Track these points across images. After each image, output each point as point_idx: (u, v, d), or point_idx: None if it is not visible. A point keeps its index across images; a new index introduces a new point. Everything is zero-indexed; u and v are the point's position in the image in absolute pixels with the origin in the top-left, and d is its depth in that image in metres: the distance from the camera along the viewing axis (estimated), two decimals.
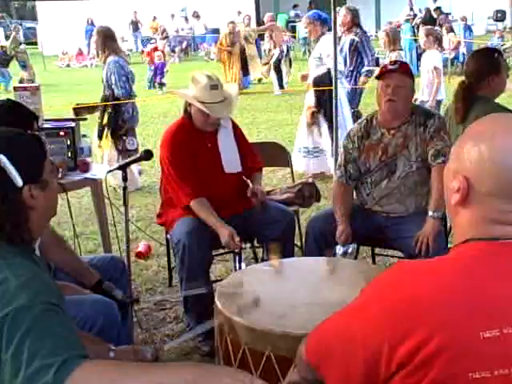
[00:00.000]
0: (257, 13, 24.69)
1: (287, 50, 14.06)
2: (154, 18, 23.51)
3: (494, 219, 1.28)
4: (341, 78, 6.26)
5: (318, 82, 6.35)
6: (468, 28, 16.62)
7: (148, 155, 2.94)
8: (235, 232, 3.27)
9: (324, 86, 6.18)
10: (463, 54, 15.46)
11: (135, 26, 24.87)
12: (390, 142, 3.35)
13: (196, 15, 23.73)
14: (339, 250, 4.06)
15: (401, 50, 6.37)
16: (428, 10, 18.34)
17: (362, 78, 7.04)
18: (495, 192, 1.26)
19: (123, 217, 3.02)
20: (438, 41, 7.09)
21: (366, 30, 7.48)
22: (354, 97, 7.12)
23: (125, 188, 2.94)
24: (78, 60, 22.41)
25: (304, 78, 6.79)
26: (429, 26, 7.78)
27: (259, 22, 21.53)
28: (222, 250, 4.12)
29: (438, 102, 7.03)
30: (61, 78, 17.96)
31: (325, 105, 6.28)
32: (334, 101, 4.59)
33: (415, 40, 15.80)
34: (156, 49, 15.97)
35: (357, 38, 6.98)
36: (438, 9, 18.26)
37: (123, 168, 2.91)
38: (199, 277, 3.25)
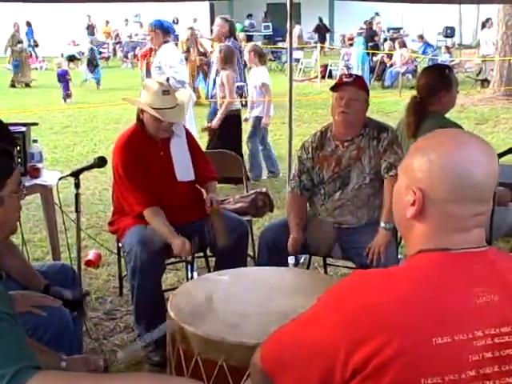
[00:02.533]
0: (211, 21, 24.67)
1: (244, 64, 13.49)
2: (107, 22, 23.28)
3: (449, 227, 1.32)
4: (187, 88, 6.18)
5: None
6: (427, 44, 16.99)
7: (101, 162, 2.90)
8: (186, 240, 3.26)
9: None
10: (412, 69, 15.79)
11: (91, 30, 24.59)
12: (344, 154, 3.39)
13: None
14: (291, 259, 4.10)
15: (233, 69, 6.28)
16: (368, 23, 18.68)
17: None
18: (449, 197, 1.30)
19: (72, 224, 2.96)
20: (260, 56, 6.89)
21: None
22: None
23: (77, 195, 2.89)
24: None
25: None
26: (253, 43, 7.72)
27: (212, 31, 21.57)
28: (174, 259, 4.11)
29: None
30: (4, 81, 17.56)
31: None
32: (288, 107, 4.61)
33: (368, 54, 16.12)
34: None
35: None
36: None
37: (76, 175, 2.86)
38: (151, 286, 3.23)
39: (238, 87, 6.92)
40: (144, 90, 3.45)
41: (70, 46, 22.22)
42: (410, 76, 15.83)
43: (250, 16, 25.55)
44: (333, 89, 3.42)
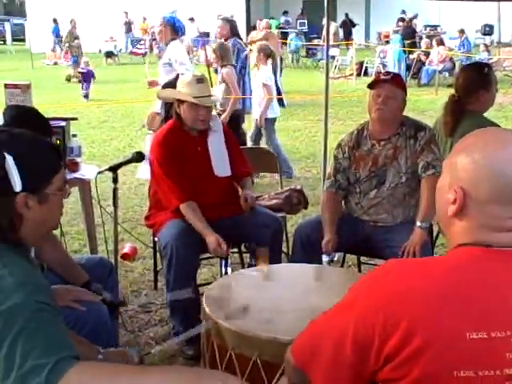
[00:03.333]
0: (247, 18, 24.73)
1: (281, 61, 12.82)
2: (144, 18, 23.48)
3: (491, 226, 1.32)
4: None
5: (167, 87, 6.04)
6: (466, 41, 16.77)
7: (139, 157, 2.95)
8: (222, 240, 3.28)
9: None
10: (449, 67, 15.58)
11: (128, 26, 24.83)
12: (380, 153, 3.38)
13: (191, 18, 23.71)
14: (325, 257, 4.10)
15: (232, 65, 6.19)
16: (407, 22, 18.46)
17: None
18: (492, 198, 1.30)
19: (109, 217, 3.01)
20: (268, 56, 6.87)
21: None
22: None
23: (115, 189, 2.94)
24: (66, 58, 22.28)
25: (152, 84, 6.36)
26: (263, 42, 7.56)
27: (249, 28, 21.58)
28: (208, 254, 4.14)
29: (273, 120, 6.92)
30: (48, 76, 17.84)
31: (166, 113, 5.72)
32: (324, 105, 4.61)
33: (404, 51, 15.97)
34: None
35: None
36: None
37: (114, 169, 2.91)
38: (185, 280, 3.26)
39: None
40: (178, 83, 3.52)
41: (108, 42, 22.51)
42: (447, 74, 15.64)
43: (285, 13, 25.50)
44: (370, 86, 3.41)
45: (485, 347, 1.23)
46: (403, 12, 18.63)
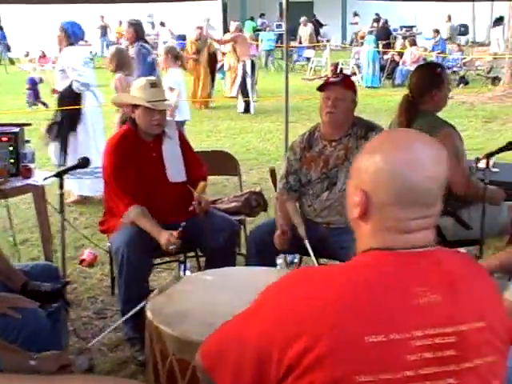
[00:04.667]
0: (224, 20, 24.71)
1: (252, 65, 12.04)
2: (120, 22, 23.36)
3: (393, 228, 1.31)
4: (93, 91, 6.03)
5: (62, 96, 5.93)
6: (441, 41, 16.85)
7: (85, 162, 2.92)
8: (172, 232, 3.26)
9: (68, 101, 5.82)
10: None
11: (104, 30, 24.70)
12: (332, 154, 3.38)
13: (161, 23, 23.67)
14: (281, 259, 4.10)
15: (128, 74, 6.07)
16: (383, 23, 18.55)
17: None
18: (392, 201, 1.29)
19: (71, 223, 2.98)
20: (176, 58, 6.83)
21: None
22: None
23: (61, 195, 2.92)
24: (41, 63, 22.09)
25: (54, 91, 6.28)
26: (169, 45, 7.54)
27: (226, 30, 21.55)
28: (167, 258, 4.13)
29: (182, 123, 6.76)
30: (18, 81, 17.67)
31: (61, 120, 5.87)
32: (284, 108, 4.60)
33: (378, 52, 16.05)
34: None
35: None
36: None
37: (60, 175, 2.89)
38: (138, 285, 3.23)
39: None
40: (132, 88, 3.50)
41: (82, 46, 22.34)
42: None
43: (262, 15, 25.51)
44: (320, 89, 3.41)
45: (385, 350, 1.22)
46: (377, 14, 18.73)
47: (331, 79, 3.42)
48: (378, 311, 1.23)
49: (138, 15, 25.06)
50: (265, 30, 22.65)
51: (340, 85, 3.35)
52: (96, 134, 5.97)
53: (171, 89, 6.64)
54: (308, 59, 18.24)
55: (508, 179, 4.14)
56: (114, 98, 3.75)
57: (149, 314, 2.45)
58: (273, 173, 4.20)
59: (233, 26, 12.84)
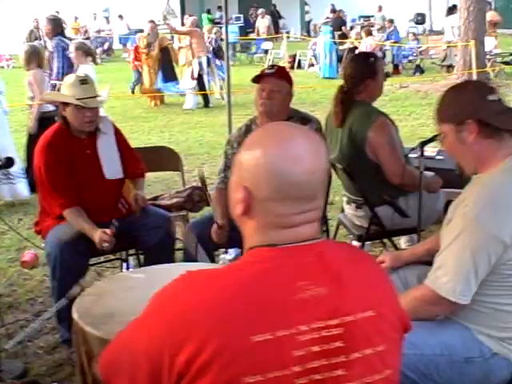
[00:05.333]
0: (182, 13, 24.52)
1: (207, 61, 11.82)
2: (76, 18, 23.04)
3: (275, 224, 1.29)
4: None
5: None
6: (395, 30, 16.97)
7: (9, 162, 2.85)
8: (106, 230, 3.22)
9: None
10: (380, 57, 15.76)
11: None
12: None
13: (120, 16, 23.39)
14: (228, 256, 4.08)
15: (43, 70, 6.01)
16: (337, 12, 18.60)
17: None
18: (272, 196, 1.27)
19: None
20: (87, 54, 6.75)
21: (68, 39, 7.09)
22: None
23: None
24: None
25: None
26: (79, 41, 7.41)
27: (184, 24, 21.40)
28: (111, 256, 4.06)
29: None
30: None
31: None
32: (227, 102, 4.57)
33: (335, 43, 16.09)
34: None
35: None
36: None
37: None
38: (71, 287, 3.17)
39: (52, 86, 6.57)
40: (62, 85, 3.42)
41: (37, 42, 21.95)
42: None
43: (220, 8, 25.34)
44: (255, 80, 3.38)
45: (271, 348, 1.20)
46: (332, 5, 18.79)
47: (266, 71, 3.40)
48: (262, 309, 1.22)
49: (95, 9, 24.74)
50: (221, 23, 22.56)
51: (275, 76, 3.33)
52: (4, 139, 5.82)
53: None
54: (266, 51, 18.19)
55: (451, 166, 4.18)
56: (43, 96, 3.66)
57: (75, 315, 2.41)
58: (202, 179, 4.14)
59: (189, 20, 12.64)
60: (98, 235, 3.20)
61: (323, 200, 1.34)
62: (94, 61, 6.77)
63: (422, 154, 3.35)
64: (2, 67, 20.57)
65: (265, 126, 1.39)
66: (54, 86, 6.52)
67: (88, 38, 21.47)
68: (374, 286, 1.35)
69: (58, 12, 23.67)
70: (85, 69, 6.56)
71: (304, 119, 3.40)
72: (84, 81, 3.37)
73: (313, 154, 1.28)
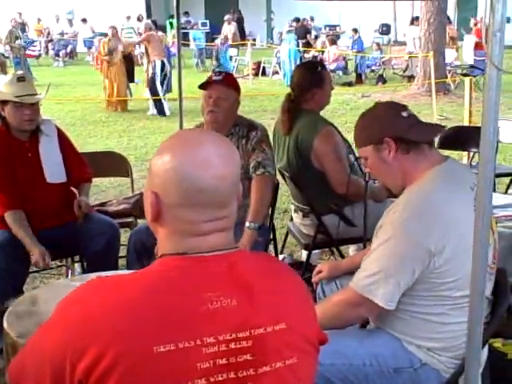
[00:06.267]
0: (148, 18, 24.40)
1: (162, 66, 11.32)
2: (39, 20, 22.74)
3: (186, 231, 1.28)
4: None
5: None
6: (359, 40, 17.14)
7: None
8: (47, 252, 3.18)
9: None
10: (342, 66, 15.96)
11: (22, 27, 23.95)
12: None
13: (83, 19, 23.14)
14: None
15: None
16: (302, 21, 18.73)
17: None
18: (181, 202, 1.25)
19: None
20: None
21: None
22: None
23: None
24: None
25: None
26: None
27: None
28: (58, 263, 3.99)
29: None
30: None
31: None
32: (179, 110, 4.54)
33: (299, 51, 16.19)
34: None
35: None
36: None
37: None
38: (9, 294, 3.10)
39: None
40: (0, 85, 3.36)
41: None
42: (341, 73, 15.97)
43: (186, 13, 25.29)
44: (202, 87, 3.36)
45: (174, 359, 1.18)
46: (297, 18, 18.93)
47: (214, 78, 3.38)
48: (165, 319, 1.19)
49: (58, 11, 24.41)
50: (190, 29, 22.51)
51: (222, 84, 3.32)
52: None
53: None
54: (231, 58, 18.19)
55: None
56: None
57: (5, 323, 2.34)
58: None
59: (142, 25, 12.48)
60: (37, 254, 3.15)
61: (235, 208, 1.32)
62: (3, 70, 6.55)
63: None
64: None
65: (177, 132, 1.38)
66: None
67: (51, 41, 21.27)
68: (288, 298, 1.33)
69: (20, 13, 23.46)
70: None
71: (250, 126, 3.39)
72: (21, 78, 3.33)
73: (223, 160, 1.26)
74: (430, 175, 2.06)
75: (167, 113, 11.22)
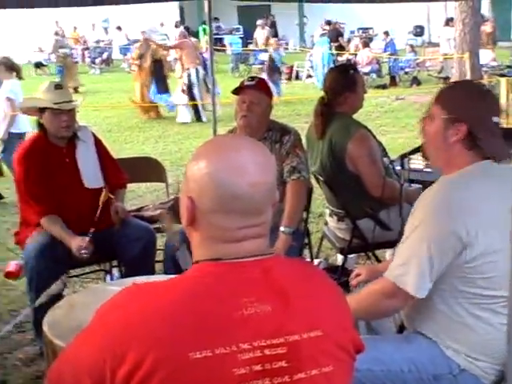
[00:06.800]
0: (181, 24, 24.59)
1: (196, 73, 11.38)
2: (75, 28, 23.12)
3: (218, 238, 1.28)
4: None
5: None
6: (391, 42, 17.01)
7: None
8: (85, 237, 3.22)
9: None
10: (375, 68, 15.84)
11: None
12: None
13: (118, 27, 23.45)
14: None
15: None
16: (334, 25, 18.63)
17: None
18: (215, 208, 1.26)
19: None
20: (11, 69, 6.60)
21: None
22: None
23: None
24: None
25: None
26: (2, 56, 7.01)
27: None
28: (96, 267, 4.05)
29: (21, 135, 6.51)
30: None
31: None
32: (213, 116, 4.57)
33: (332, 54, 16.14)
34: None
35: None
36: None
37: None
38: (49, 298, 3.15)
39: None
40: (38, 92, 3.43)
41: (36, 52, 22.09)
42: (375, 75, 15.87)
43: (216, 19, 25.43)
44: (235, 92, 3.39)
45: (211, 366, 1.18)
46: (328, 21, 18.85)
47: (246, 83, 3.40)
48: (202, 326, 1.19)
49: (94, 20, 24.71)
50: (223, 34, 22.67)
51: (255, 89, 3.34)
52: None
53: (8, 99, 6.42)
54: (262, 63, 18.20)
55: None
56: (20, 104, 3.64)
57: (45, 327, 2.38)
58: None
59: (177, 33, 12.49)
60: (76, 242, 3.20)
61: (271, 215, 1.32)
62: (19, 76, 6.68)
63: (402, 166, 3.34)
64: None
65: (213, 138, 1.38)
66: None
67: (87, 48, 21.61)
68: (324, 305, 1.32)
69: (57, 22, 23.89)
70: (10, 83, 6.53)
71: (283, 130, 3.40)
72: (59, 86, 3.40)
73: (259, 167, 1.26)
74: (470, 168, 2.03)
75: (204, 119, 11.23)
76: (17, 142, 6.48)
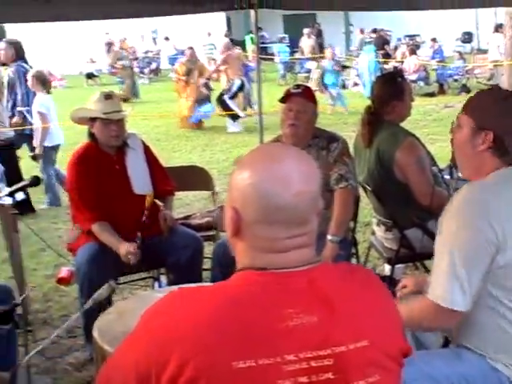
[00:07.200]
0: (228, 32, 24.80)
1: (241, 84, 11.54)
2: (124, 39, 23.53)
3: (263, 247, 1.27)
4: None
5: None
6: (439, 49, 16.81)
7: (36, 181, 2.93)
8: (133, 246, 3.28)
9: None
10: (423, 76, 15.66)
11: (109, 47, 24.89)
12: None
13: (166, 38, 23.80)
14: None
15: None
16: (379, 32, 18.49)
17: (14, 119, 6.64)
18: (260, 218, 1.25)
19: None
20: (43, 83, 6.62)
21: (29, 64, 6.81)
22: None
23: (14, 214, 2.92)
24: None
25: None
26: (37, 69, 6.99)
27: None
28: (144, 274, 4.10)
29: (56, 147, 6.72)
30: None
31: None
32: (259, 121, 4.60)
33: (378, 62, 16.01)
34: None
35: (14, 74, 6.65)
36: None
37: (11, 194, 2.89)
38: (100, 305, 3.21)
39: (19, 112, 6.67)
40: (88, 102, 3.52)
41: (88, 63, 22.57)
42: (422, 83, 15.68)
43: (260, 29, 25.61)
44: (282, 100, 3.40)
45: (253, 376, 1.17)
46: (374, 29, 18.75)
47: (292, 90, 3.41)
48: (245, 334, 1.19)
49: (143, 31, 25.05)
50: (269, 43, 22.76)
51: (302, 96, 3.35)
52: None
53: (40, 113, 6.51)
54: (308, 71, 18.21)
55: None
56: (71, 114, 3.71)
57: (95, 333, 2.43)
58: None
59: (221, 45, 12.42)
60: (124, 248, 3.26)
61: (316, 224, 1.31)
62: (48, 90, 6.78)
63: (451, 176, 3.30)
64: (55, 87, 21.13)
65: (257, 147, 1.39)
66: (21, 113, 6.64)
67: (136, 59, 21.95)
68: (371, 312, 1.30)
69: (107, 33, 24.40)
70: (42, 97, 6.60)
71: (330, 138, 3.39)
72: (108, 96, 3.47)
73: (303, 177, 1.25)
74: (496, 174, 2.00)
75: (238, 129, 11.27)
76: (52, 155, 6.68)
